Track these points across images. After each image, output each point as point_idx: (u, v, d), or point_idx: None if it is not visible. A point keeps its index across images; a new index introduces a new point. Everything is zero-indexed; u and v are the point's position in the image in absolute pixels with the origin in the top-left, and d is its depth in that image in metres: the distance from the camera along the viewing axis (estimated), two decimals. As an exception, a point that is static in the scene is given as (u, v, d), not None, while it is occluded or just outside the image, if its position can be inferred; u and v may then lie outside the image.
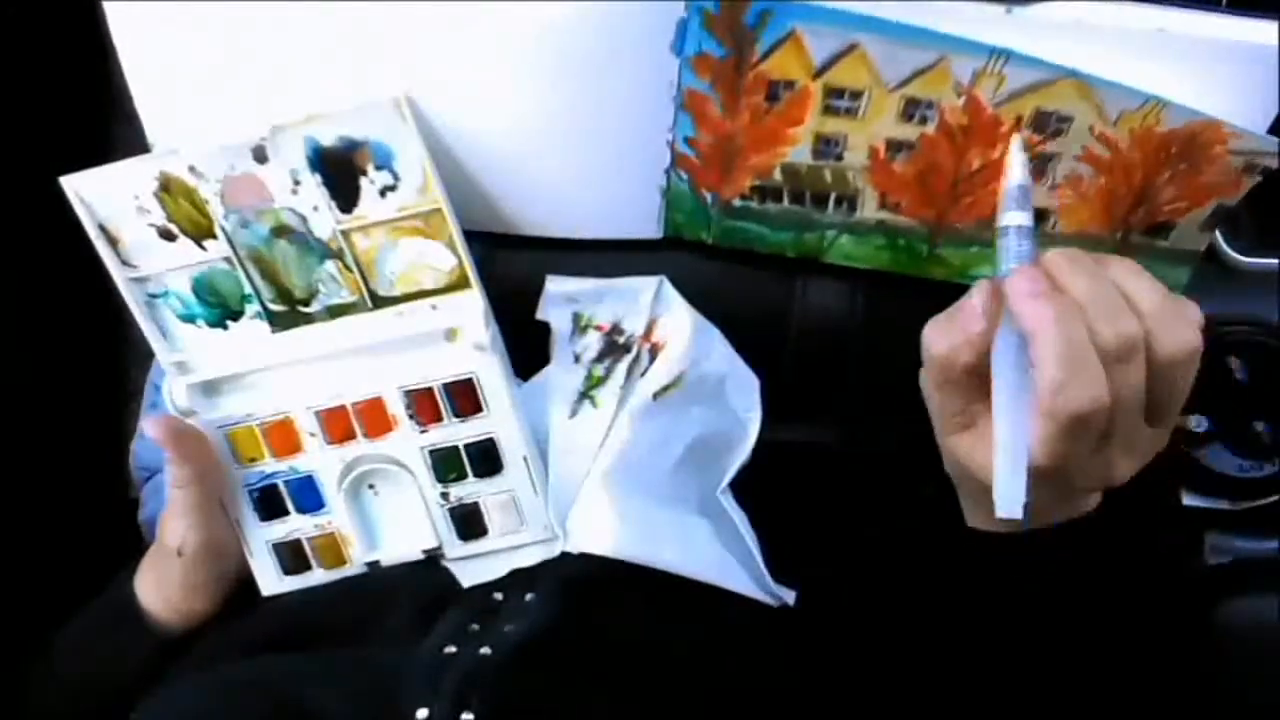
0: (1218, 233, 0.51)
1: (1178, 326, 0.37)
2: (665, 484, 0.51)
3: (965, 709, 0.47)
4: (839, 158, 0.49)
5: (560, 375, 0.53)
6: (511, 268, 0.54)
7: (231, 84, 0.48)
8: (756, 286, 0.56)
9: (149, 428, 0.48)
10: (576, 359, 0.54)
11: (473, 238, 0.49)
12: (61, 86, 0.62)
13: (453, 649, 0.44)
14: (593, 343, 0.54)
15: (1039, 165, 0.47)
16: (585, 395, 0.53)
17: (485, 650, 0.43)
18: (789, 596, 0.49)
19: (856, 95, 0.46)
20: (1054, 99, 0.45)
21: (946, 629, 0.47)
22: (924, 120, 0.47)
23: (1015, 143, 0.40)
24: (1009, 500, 0.36)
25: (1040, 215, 0.49)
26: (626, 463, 0.50)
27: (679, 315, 0.54)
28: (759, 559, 0.50)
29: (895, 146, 0.48)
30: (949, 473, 0.44)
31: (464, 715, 0.40)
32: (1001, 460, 0.36)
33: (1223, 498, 0.68)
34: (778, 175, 0.50)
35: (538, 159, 0.51)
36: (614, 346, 0.54)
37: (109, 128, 0.59)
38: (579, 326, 0.54)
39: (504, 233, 0.53)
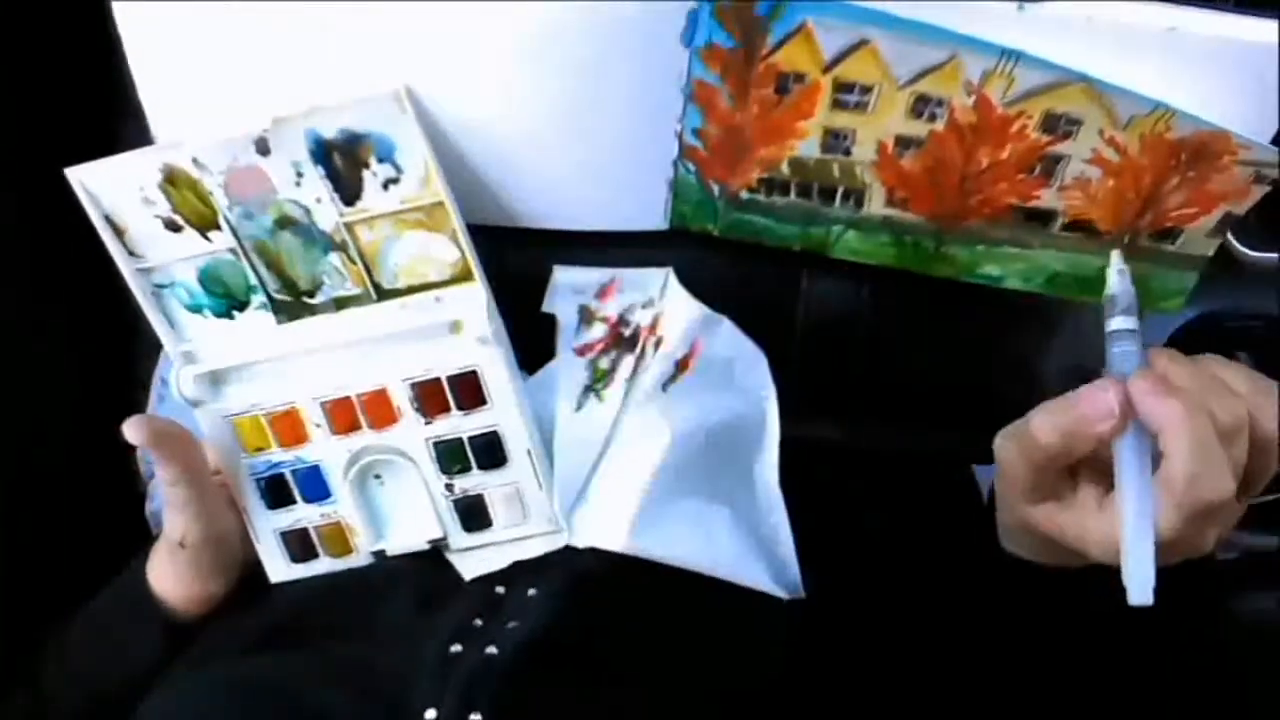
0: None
1: (1271, 404, 0.39)
2: (683, 476, 0.50)
3: (974, 703, 0.47)
4: (847, 152, 0.49)
5: (566, 369, 0.53)
6: (518, 261, 0.53)
7: (237, 77, 0.48)
8: (762, 280, 0.55)
9: (127, 431, 0.47)
10: (583, 352, 0.54)
11: (479, 232, 0.49)
12: (67, 81, 0.62)
13: (458, 648, 0.44)
14: (599, 335, 0.54)
15: (1047, 166, 0.47)
16: (591, 389, 0.53)
17: (491, 649, 0.43)
18: (801, 592, 0.50)
19: (866, 90, 0.46)
20: (1064, 101, 0.44)
21: (952, 626, 0.47)
22: (933, 118, 0.46)
23: (1114, 255, 0.43)
24: (1141, 589, 0.38)
25: (1048, 216, 0.49)
26: (640, 456, 0.50)
27: (679, 302, 0.54)
28: (790, 545, 0.51)
29: (904, 143, 0.48)
30: (1008, 519, 0.45)
31: (472, 716, 0.40)
32: (1133, 552, 0.38)
33: (1231, 492, 0.68)
34: (785, 168, 0.50)
35: (544, 150, 0.50)
36: (620, 340, 0.54)
37: (114, 122, 0.59)
38: (585, 319, 0.54)
39: (510, 225, 0.53)
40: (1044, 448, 0.40)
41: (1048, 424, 0.40)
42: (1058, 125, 0.45)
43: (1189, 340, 0.70)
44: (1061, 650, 0.47)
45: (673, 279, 0.54)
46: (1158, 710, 0.49)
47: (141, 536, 0.57)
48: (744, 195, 0.51)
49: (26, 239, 0.61)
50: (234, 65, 0.48)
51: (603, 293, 0.55)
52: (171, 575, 0.51)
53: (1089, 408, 0.39)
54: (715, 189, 0.52)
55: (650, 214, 0.53)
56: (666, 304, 0.54)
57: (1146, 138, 0.45)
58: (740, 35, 0.45)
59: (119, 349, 0.66)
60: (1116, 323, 0.41)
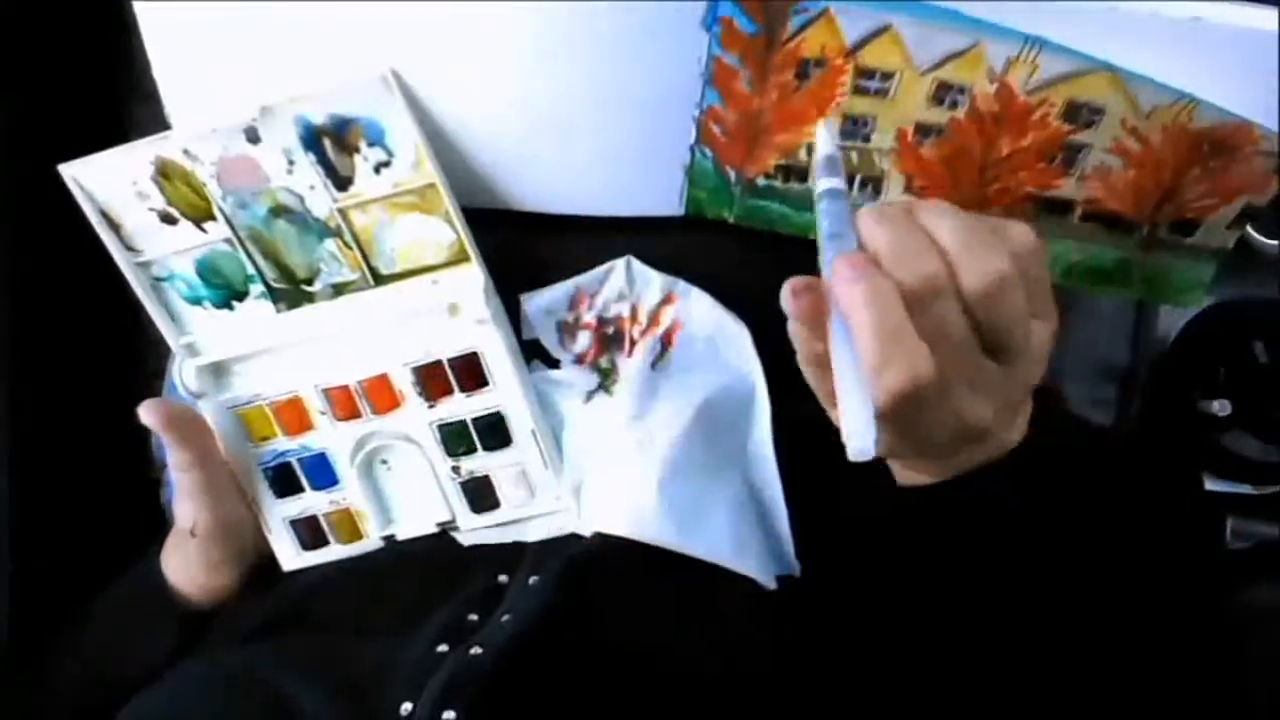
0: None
1: (983, 256, 0.36)
2: (676, 457, 0.50)
3: (972, 695, 0.47)
4: (866, 139, 0.48)
5: (572, 375, 0.54)
6: (528, 246, 0.53)
7: (255, 61, 0.48)
8: (777, 267, 0.55)
9: (144, 414, 0.47)
10: (580, 360, 0.54)
11: (493, 219, 0.49)
12: (75, 67, 0.61)
13: (444, 647, 0.44)
14: (588, 344, 0.54)
15: (1068, 155, 0.47)
16: (601, 387, 0.53)
17: (476, 650, 0.43)
18: (797, 569, 0.50)
19: (887, 77, 0.46)
20: (1087, 90, 0.44)
21: (941, 608, 0.47)
22: (955, 105, 0.46)
23: (821, 124, 0.44)
24: (859, 439, 0.33)
25: (1067, 206, 0.49)
26: (636, 439, 0.50)
27: (649, 282, 0.54)
28: (785, 520, 0.50)
29: (924, 130, 0.47)
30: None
31: (447, 713, 0.40)
32: (846, 404, 0.35)
33: (1245, 482, 0.68)
34: (803, 155, 0.49)
35: (560, 135, 0.50)
36: (608, 340, 0.54)
37: (123, 107, 0.58)
38: (569, 333, 0.54)
39: (524, 210, 0.53)
40: (800, 350, 0.40)
41: (792, 328, 0.40)
42: (1080, 114, 0.45)
43: (1203, 328, 0.70)
44: (1062, 640, 0.47)
45: (635, 263, 0.54)
46: (1163, 699, 0.49)
47: (156, 526, 0.57)
48: (760, 182, 0.51)
49: (35, 226, 0.61)
50: (252, 49, 0.48)
51: (574, 304, 0.54)
52: (182, 566, 0.51)
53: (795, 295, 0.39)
54: (731, 175, 0.51)
55: (667, 200, 0.53)
56: (639, 289, 0.54)
57: (1168, 128, 0.45)
58: (762, 19, 0.45)
59: (131, 337, 0.66)
60: (823, 184, 0.41)
